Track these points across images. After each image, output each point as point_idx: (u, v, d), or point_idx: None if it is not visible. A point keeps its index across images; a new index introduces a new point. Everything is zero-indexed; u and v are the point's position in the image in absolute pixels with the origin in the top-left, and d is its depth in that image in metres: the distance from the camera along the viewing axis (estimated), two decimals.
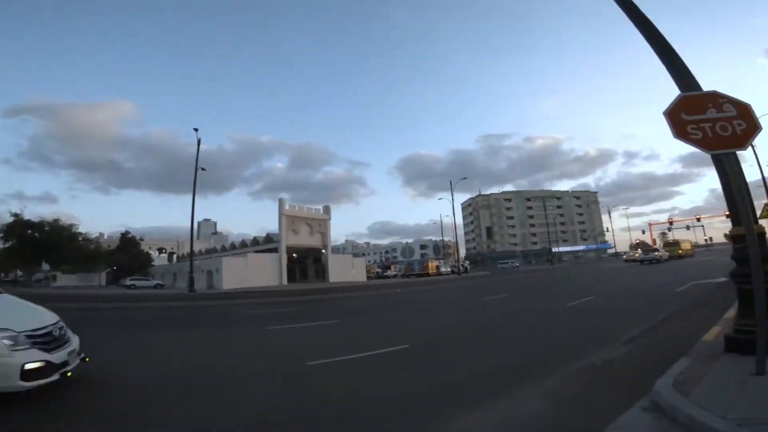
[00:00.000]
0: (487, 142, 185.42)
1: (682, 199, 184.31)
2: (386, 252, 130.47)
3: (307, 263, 50.15)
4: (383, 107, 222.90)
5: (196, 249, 59.51)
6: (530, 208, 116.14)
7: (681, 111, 4.10)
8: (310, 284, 39.40)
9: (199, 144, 28.58)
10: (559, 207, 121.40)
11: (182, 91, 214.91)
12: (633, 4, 5.42)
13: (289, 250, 42.00)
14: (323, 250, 44.89)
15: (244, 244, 50.12)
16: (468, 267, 69.81)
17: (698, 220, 70.62)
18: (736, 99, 4.06)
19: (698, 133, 3.96)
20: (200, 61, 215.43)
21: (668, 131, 4.11)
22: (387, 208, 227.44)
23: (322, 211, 45.69)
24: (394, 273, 64.45)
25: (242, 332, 10.29)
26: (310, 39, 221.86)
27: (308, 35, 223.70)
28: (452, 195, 52.17)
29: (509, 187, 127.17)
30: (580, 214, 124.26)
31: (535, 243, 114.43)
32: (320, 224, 44.81)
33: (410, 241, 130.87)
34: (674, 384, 3.49)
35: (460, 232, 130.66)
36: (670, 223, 76.75)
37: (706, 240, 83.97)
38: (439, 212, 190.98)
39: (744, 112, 3.96)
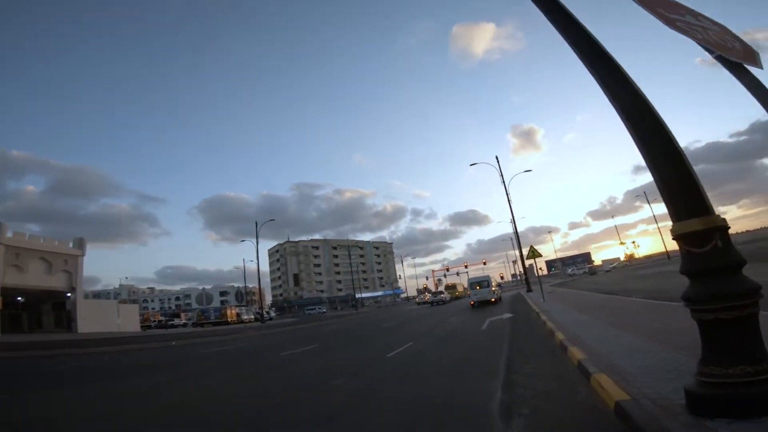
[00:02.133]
0: (300, 191, 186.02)
1: (449, 252, 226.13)
2: (177, 299, 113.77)
3: (42, 309, 36.15)
4: (190, 140, 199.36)
5: None
6: (336, 256, 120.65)
7: (654, 4, 2.43)
8: (37, 336, 27.50)
9: None
10: (361, 256, 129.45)
11: None
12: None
13: (10, 291, 28.92)
14: (69, 294, 32.88)
15: None
16: (273, 314, 64.81)
17: (466, 267, 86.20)
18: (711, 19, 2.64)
19: (695, 32, 2.31)
20: None
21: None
22: (183, 251, 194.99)
23: (72, 245, 33.98)
24: (184, 321, 54.07)
25: None
26: (99, 49, 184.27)
27: (99, 45, 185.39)
28: (257, 238, 48.10)
29: (317, 236, 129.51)
30: (379, 263, 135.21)
31: (341, 290, 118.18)
32: (67, 261, 32.96)
33: (208, 287, 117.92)
34: None
35: (267, 279, 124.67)
36: (447, 269, 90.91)
37: None
38: (244, 258, 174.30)
39: (728, 31, 2.55)
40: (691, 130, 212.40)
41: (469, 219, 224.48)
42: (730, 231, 2.63)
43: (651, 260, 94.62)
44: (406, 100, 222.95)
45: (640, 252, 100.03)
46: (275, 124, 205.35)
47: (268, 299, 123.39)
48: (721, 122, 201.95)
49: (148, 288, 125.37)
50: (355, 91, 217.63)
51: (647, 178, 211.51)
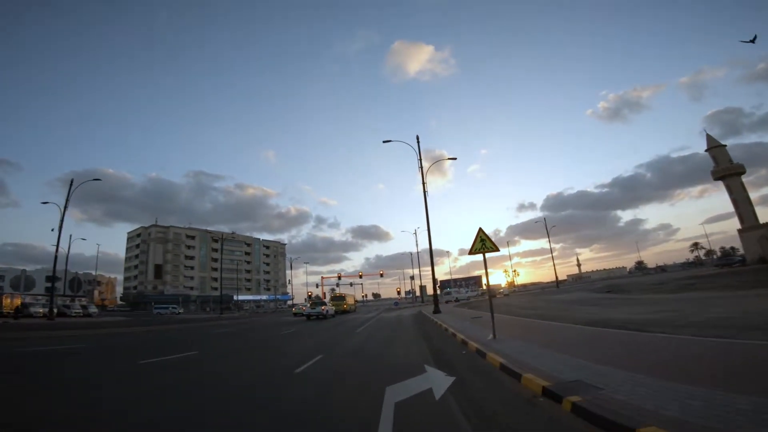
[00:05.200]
0: (196, 179, 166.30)
1: (347, 263, 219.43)
2: None
3: None
4: (63, 99, 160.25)
5: None
6: (216, 250, 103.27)
7: None
8: None
9: None
10: (248, 254, 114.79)
11: None
12: None
13: None
14: None
15: None
16: (93, 309, 47.45)
17: (360, 276, 77.28)
18: None
19: None
20: None
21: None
22: (33, 228, 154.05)
23: None
24: None
25: None
26: None
27: None
28: (66, 202, 32.89)
29: (210, 228, 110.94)
30: (267, 264, 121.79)
31: (216, 288, 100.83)
32: None
33: (34, 268, 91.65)
34: None
35: (122, 266, 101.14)
36: (339, 277, 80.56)
37: (363, 296, 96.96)
38: (81, 237, 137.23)
39: None
40: (570, 177, 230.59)
41: (370, 233, 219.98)
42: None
43: (535, 287, 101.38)
44: (330, 106, 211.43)
45: (518, 280, 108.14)
46: (176, 104, 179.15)
47: (119, 290, 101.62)
48: (591, 173, 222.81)
49: None
50: (278, 87, 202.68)
51: (528, 215, 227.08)
